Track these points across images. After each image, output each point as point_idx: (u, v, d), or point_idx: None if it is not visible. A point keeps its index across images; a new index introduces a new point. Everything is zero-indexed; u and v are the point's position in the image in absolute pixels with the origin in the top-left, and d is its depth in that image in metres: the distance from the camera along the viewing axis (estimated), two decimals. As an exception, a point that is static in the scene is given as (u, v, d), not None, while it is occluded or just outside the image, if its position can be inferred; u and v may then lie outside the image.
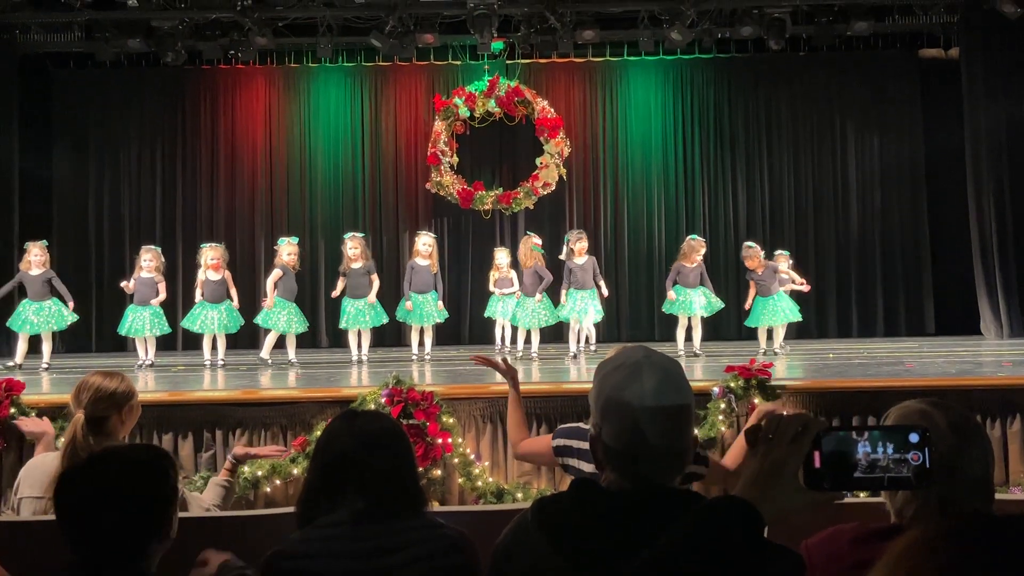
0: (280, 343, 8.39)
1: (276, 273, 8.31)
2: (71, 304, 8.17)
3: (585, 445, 2.63)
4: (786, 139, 11.24)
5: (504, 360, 3.15)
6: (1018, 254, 9.98)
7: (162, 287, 8.32)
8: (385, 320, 8.58)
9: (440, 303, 8.56)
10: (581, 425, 2.72)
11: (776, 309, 8.43)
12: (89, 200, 11.11)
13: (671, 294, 8.44)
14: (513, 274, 9.01)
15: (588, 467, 2.55)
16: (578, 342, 8.42)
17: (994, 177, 10.05)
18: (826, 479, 1.10)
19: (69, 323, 8.31)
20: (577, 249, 8.38)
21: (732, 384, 5.03)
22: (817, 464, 1.10)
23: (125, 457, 1.77)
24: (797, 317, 8.75)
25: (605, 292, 8.54)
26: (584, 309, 8.30)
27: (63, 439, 2.67)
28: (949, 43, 10.79)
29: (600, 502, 1.40)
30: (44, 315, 8.01)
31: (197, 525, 2.57)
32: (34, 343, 8.27)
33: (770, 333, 8.63)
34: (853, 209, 11.14)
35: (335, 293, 8.52)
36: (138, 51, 10.18)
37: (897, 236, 11.04)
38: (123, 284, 8.43)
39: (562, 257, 8.66)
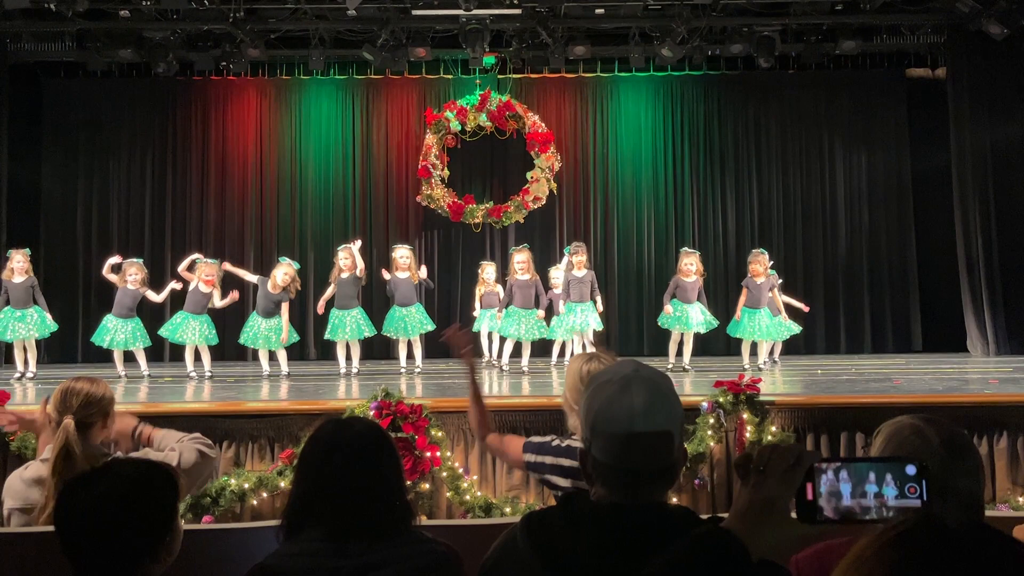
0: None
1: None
2: (49, 317, 8.20)
3: (555, 460, 2.64)
4: (775, 156, 11.30)
5: (469, 349, 3.13)
6: (1004, 271, 10.06)
7: (151, 294, 8.32)
8: (371, 332, 8.55)
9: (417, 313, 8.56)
10: (549, 441, 2.74)
11: (760, 324, 8.43)
12: (78, 209, 11.05)
13: (668, 308, 8.42)
14: (499, 288, 9.00)
15: (563, 482, 2.56)
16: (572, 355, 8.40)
17: (980, 194, 10.14)
18: (819, 512, 1.07)
19: (50, 332, 8.30)
20: (576, 262, 8.39)
21: (721, 399, 5.04)
22: (810, 497, 1.07)
23: (129, 470, 1.76)
24: (782, 335, 8.75)
25: (600, 307, 8.51)
26: (585, 322, 8.31)
27: (52, 446, 2.59)
28: (936, 63, 10.91)
29: (589, 517, 1.40)
30: (27, 323, 7.98)
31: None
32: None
33: (754, 348, 8.63)
34: (841, 226, 11.20)
35: (321, 304, 8.48)
36: (129, 61, 10.17)
37: (884, 253, 11.11)
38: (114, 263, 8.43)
39: (562, 268, 8.66)
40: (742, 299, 8.56)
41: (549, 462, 2.66)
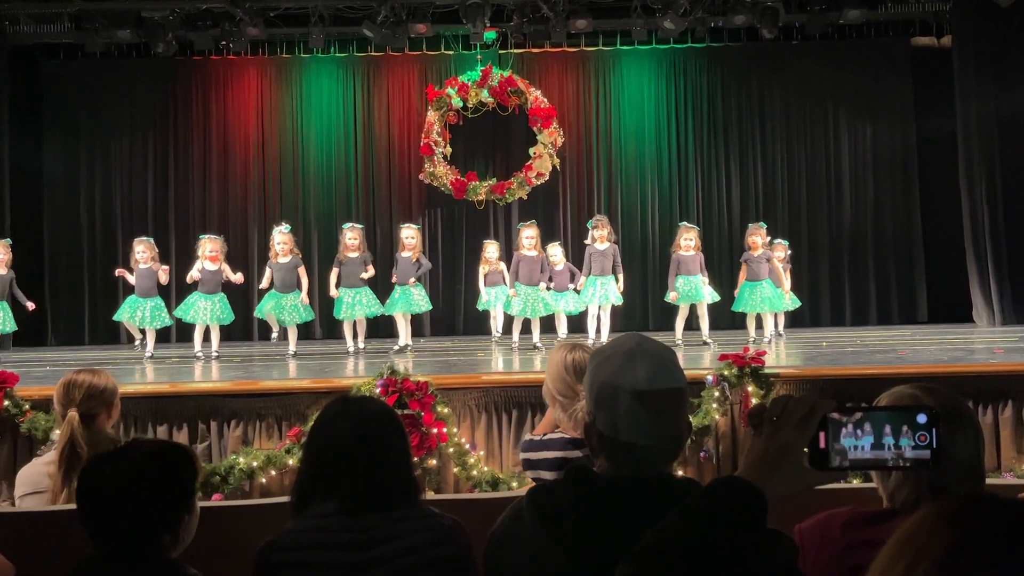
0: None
1: (267, 272, 8.39)
2: (30, 306, 8.14)
3: (541, 455, 2.69)
4: (779, 128, 11.23)
5: None
6: (1010, 241, 10.02)
7: (163, 273, 8.28)
8: (381, 311, 8.58)
9: (416, 291, 8.56)
10: (532, 437, 2.79)
11: (762, 296, 8.41)
12: (81, 192, 11.05)
13: (674, 295, 8.31)
14: (503, 266, 8.97)
15: (548, 475, 2.60)
16: (598, 331, 8.34)
17: (986, 164, 10.07)
18: (832, 460, 1.10)
19: (10, 331, 8.24)
20: (598, 235, 8.38)
21: (726, 372, 5.05)
22: (823, 445, 1.10)
23: (152, 449, 1.81)
24: (785, 307, 8.75)
25: (622, 284, 8.45)
26: (604, 296, 8.28)
27: (59, 439, 2.68)
28: (941, 31, 10.79)
29: (595, 489, 1.41)
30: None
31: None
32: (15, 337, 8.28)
33: (760, 321, 8.63)
34: (846, 197, 11.16)
35: (332, 290, 8.43)
36: (129, 42, 10.12)
37: (889, 224, 11.06)
38: (120, 271, 8.42)
39: (587, 242, 8.65)
40: (742, 276, 8.58)
41: (534, 458, 2.71)
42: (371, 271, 8.48)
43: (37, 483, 2.68)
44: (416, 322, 9.31)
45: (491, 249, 9.06)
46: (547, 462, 2.65)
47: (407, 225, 8.90)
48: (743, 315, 8.76)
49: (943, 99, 10.49)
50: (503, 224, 10.96)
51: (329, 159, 11.17)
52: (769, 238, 8.82)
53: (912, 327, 10.16)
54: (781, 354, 7.50)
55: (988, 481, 1.81)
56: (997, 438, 5.04)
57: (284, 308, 8.19)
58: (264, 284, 8.36)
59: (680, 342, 8.28)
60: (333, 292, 8.40)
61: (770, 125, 11.25)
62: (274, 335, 8.49)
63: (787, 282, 8.96)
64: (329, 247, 10.61)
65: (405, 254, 8.56)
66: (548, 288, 8.55)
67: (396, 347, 8.44)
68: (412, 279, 8.49)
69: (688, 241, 8.35)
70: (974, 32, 10.01)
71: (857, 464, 1.10)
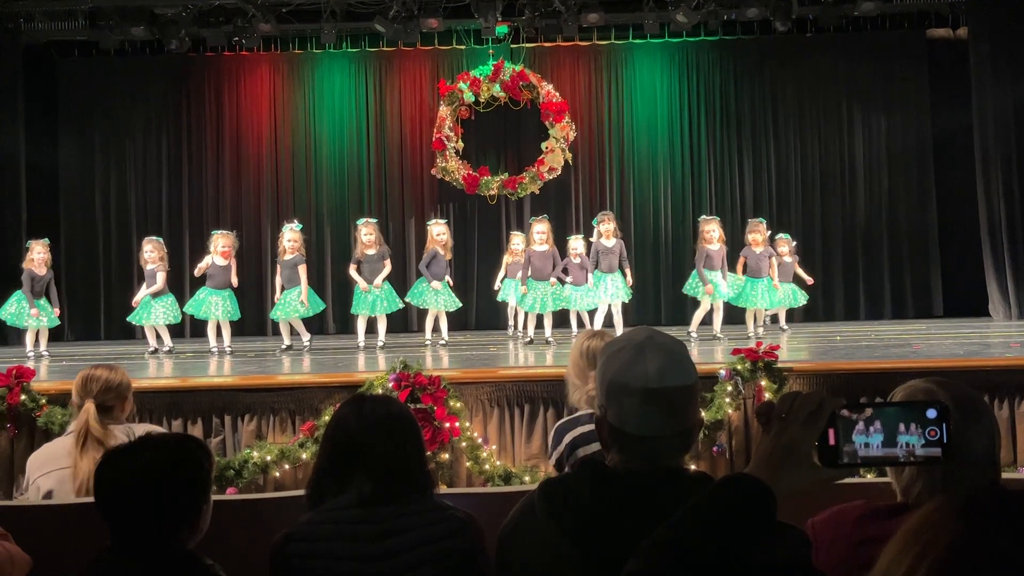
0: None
1: (278, 269, 8.46)
2: (56, 311, 8.30)
3: (577, 431, 2.75)
4: (793, 121, 11.17)
5: None
6: (1027, 235, 9.93)
7: (161, 277, 8.31)
8: (400, 306, 8.56)
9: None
10: (558, 424, 2.91)
11: (761, 293, 8.37)
12: (96, 189, 11.13)
13: (709, 287, 8.14)
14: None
15: (589, 449, 2.66)
16: (611, 327, 8.32)
17: (1002, 157, 9.98)
18: (841, 456, 1.09)
19: (53, 325, 8.42)
20: (604, 231, 8.34)
21: (739, 366, 5.03)
22: (831, 442, 1.10)
23: (164, 443, 1.84)
24: (781, 304, 8.69)
25: (630, 279, 8.43)
26: (615, 293, 8.24)
27: (73, 426, 2.93)
28: (957, 23, 10.69)
29: (606, 483, 1.41)
30: (42, 311, 8.14)
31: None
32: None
33: (755, 317, 8.56)
34: (860, 191, 11.08)
35: (362, 283, 8.32)
36: (142, 39, 10.17)
37: (904, 217, 10.98)
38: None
39: (592, 239, 8.61)
40: (739, 267, 8.55)
41: (576, 434, 2.77)
42: (388, 267, 8.44)
43: (58, 461, 2.88)
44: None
45: (516, 240, 9.04)
46: (584, 436, 2.73)
47: (437, 221, 8.74)
48: (741, 309, 8.69)
49: (959, 91, 10.39)
50: (515, 219, 10.95)
51: (341, 155, 11.19)
52: (770, 232, 8.77)
53: (927, 321, 10.10)
54: (796, 348, 7.47)
55: (1004, 475, 1.80)
56: (1013, 432, 5.01)
57: (288, 303, 8.25)
58: (279, 281, 8.41)
59: (695, 336, 8.24)
60: (378, 282, 8.20)
61: (783, 119, 11.18)
62: (306, 340, 8.49)
63: (804, 276, 8.92)
64: (342, 242, 10.65)
65: (441, 250, 8.43)
66: (565, 283, 8.50)
67: (441, 341, 8.41)
68: (446, 278, 8.47)
69: (712, 233, 8.26)
70: (990, 24, 9.91)
71: (868, 461, 1.10)
